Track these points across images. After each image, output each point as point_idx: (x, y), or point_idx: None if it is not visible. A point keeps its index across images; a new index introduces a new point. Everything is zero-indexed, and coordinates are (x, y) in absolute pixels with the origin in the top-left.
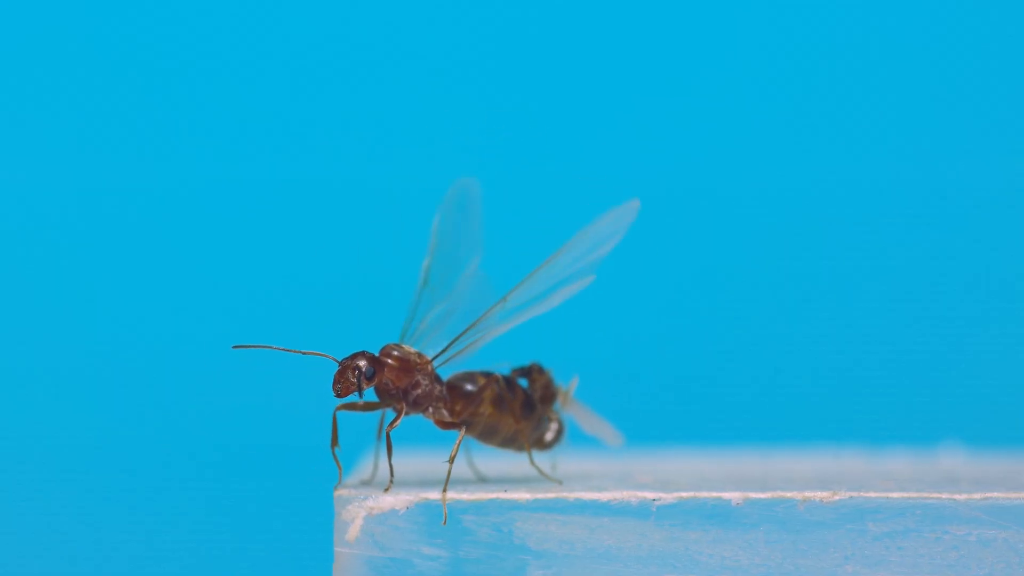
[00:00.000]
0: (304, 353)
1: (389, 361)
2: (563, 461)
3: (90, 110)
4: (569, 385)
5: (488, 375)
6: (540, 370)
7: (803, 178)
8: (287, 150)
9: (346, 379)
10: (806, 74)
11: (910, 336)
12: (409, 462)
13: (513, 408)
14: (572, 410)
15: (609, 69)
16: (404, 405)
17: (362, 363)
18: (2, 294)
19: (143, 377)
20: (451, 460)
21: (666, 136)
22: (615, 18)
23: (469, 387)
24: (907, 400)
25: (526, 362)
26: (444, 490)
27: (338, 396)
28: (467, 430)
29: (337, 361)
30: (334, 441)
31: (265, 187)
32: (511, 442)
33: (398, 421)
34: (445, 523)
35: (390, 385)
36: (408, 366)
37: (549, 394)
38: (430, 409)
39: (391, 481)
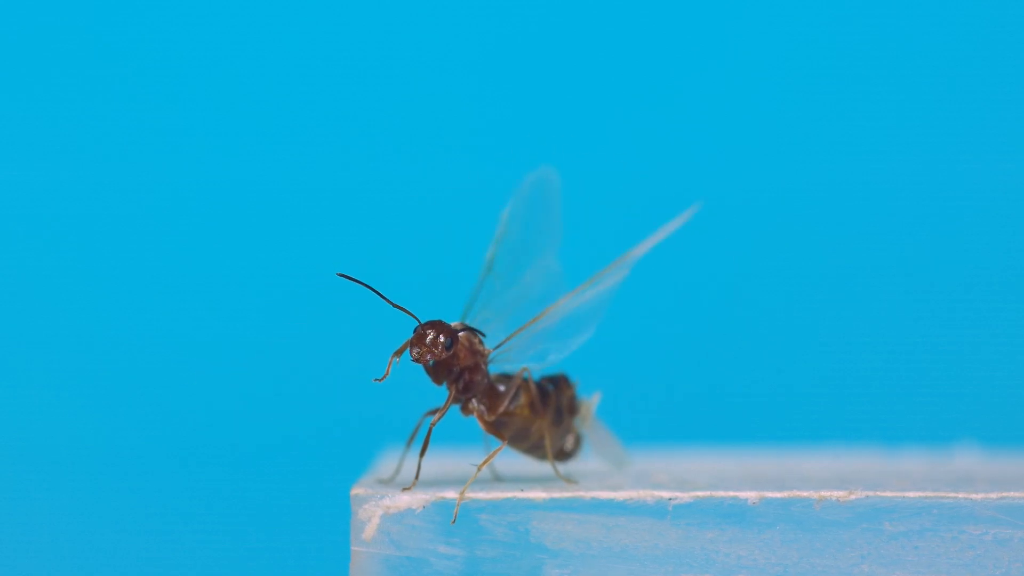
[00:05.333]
0: (393, 305)
1: (464, 333)
2: (579, 461)
3: (94, 111)
4: (591, 400)
5: (526, 380)
6: (568, 382)
7: (815, 176)
8: (304, 146)
9: (425, 345)
10: (808, 78)
11: (926, 335)
12: (424, 461)
13: (546, 414)
14: (589, 426)
15: (621, 71)
16: (454, 389)
17: (443, 332)
18: (4, 294)
19: (159, 376)
20: (480, 467)
21: (687, 135)
22: (644, 20)
23: (508, 387)
24: (923, 400)
25: (554, 371)
26: (463, 491)
27: (415, 360)
28: (499, 430)
29: (419, 321)
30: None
31: (278, 184)
32: (536, 448)
33: (445, 410)
34: (454, 522)
35: (454, 362)
36: (474, 348)
37: (572, 407)
38: (473, 401)
39: (416, 479)
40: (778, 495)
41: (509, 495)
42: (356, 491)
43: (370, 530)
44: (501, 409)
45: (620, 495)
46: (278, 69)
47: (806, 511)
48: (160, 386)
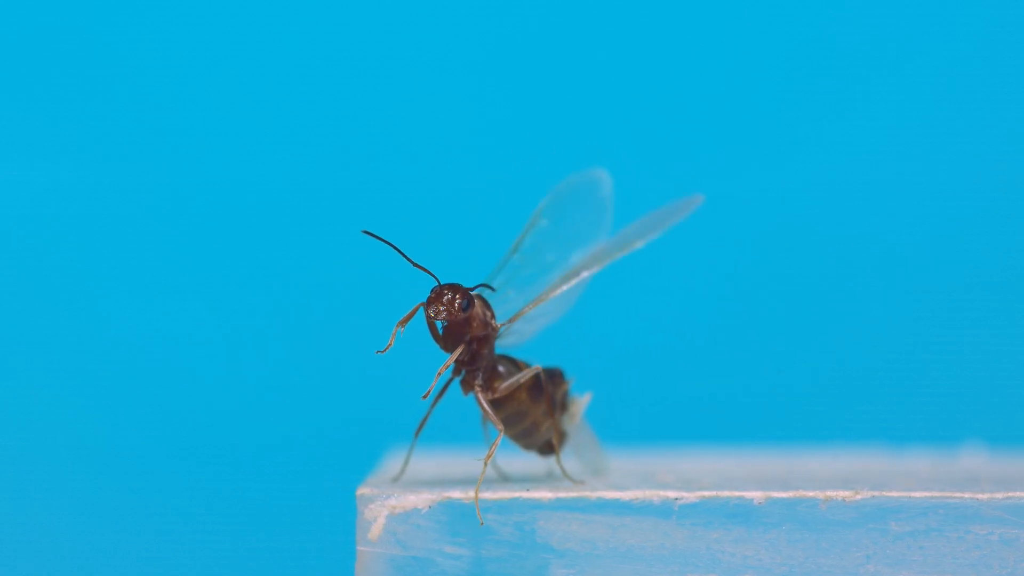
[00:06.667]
0: (414, 264)
1: (478, 303)
2: (574, 458)
3: (94, 111)
4: (582, 400)
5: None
6: (563, 377)
7: (818, 175)
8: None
9: (443, 304)
10: (808, 77)
11: (932, 335)
12: (430, 461)
13: (544, 401)
14: (575, 425)
15: (608, 68)
16: (465, 351)
17: (461, 294)
18: (4, 294)
19: (161, 376)
20: (486, 459)
21: (688, 134)
22: (644, 19)
23: (508, 369)
24: (929, 399)
25: (551, 365)
26: (476, 489)
27: (432, 317)
28: (496, 411)
29: (439, 281)
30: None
31: (268, 189)
32: (529, 435)
33: (451, 363)
34: (483, 523)
35: (466, 328)
36: (486, 319)
37: (564, 403)
38: (478, 379)
39: (418, 432)
40: (784, 495)
41: (515, 495)
42: (362, 491)
43: (376, 530)
44: (500, 390)
45: (626, 495)
46: (278, 69)
47: (812, 511)
48: (163, 386)
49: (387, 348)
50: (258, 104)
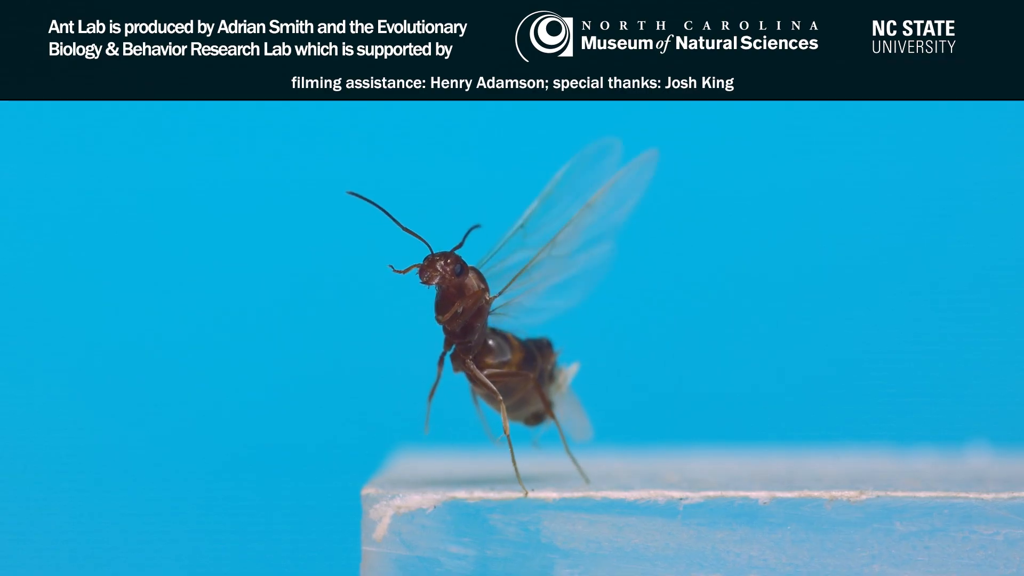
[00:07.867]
0: (404, 229)
1: (472, 273)
2: (590, 460)
3: (94, 111)
4: (569, 370)
5: (521, 341)
6: (551, 348)
7: (817, 174)
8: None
9: (436, 268)
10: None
11: (938, 336)
12: (434, 461)
13: (532, 375)
14: (563, 395)
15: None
16: (461, 318)
17: (453, 259)
18: (4, 294)
19: (168, 377)
20: (506, 434)
21: (691, 132)
22: None
23: (503, 343)
24: (935, 400)
25: (538, 336)
26: (513, 463)
27: (423, 282)
28: (486, 384)
29: (431, 248)
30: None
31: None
32: (517, 408)
33: (449, 316)
34: (526, 495)
35: (459, 295)
36: (480, 291)
37: (552, 373)
38: (470, 348)
39: (433, 389)
40: (789, 495)
41: (520, 495)
42: (367, 491)
43: (381, 530)
44: (491, 366)
45: (631, 495)
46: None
47: (817, 511)
48: (167, 387)
49: (399, 271)
50: (257, 103)
